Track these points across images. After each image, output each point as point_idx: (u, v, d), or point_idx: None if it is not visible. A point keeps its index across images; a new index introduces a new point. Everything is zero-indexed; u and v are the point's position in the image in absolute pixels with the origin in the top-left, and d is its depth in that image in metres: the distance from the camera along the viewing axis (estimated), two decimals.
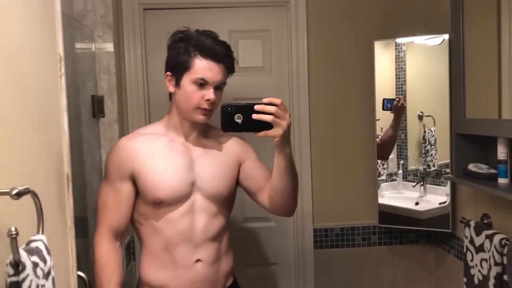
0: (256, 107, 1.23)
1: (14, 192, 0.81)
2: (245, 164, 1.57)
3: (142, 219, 1.51)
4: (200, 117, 1.46)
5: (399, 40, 2.17)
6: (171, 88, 1.50)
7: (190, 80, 1.43)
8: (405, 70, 2.20)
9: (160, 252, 1.49)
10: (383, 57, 2.24)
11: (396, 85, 2.23)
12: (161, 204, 1.45)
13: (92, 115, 1.94)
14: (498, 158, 1.58)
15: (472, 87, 1.69)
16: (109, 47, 1.97)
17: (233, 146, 1.57)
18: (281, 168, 1.37)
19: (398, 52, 2.21)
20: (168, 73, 1.49)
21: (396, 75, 2.23)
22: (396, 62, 2.23)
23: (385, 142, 2.22)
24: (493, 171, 1.65)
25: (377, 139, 2.24)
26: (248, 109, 1.23)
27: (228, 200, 1.55)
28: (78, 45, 1.94)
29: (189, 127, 1.52)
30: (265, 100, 1.24)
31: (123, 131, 2.15)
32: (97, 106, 1.95)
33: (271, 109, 1.23)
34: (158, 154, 1.48)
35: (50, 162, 1.18)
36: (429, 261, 2.32)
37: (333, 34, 2.27)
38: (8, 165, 0.93)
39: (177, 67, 1.46)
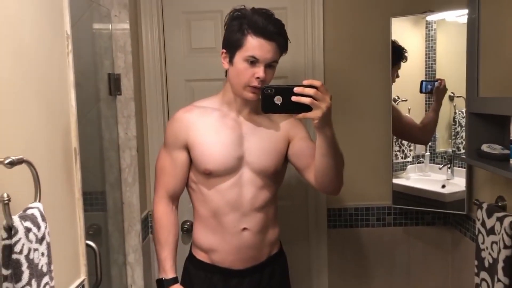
0: (296, 89, 1.24)
1: (7, 161, 0.86)
2: (294, 141, 1.61)
3: (194, 186, 1.62)
4: (249, 95, 1.50)
5: (430, 17, 2.09)
6: (226, 65, 1.55)
7: (241, 58, 1.47)
8: (435, 49, 2.14)
9: (209, 218, 1.60)
10: (412, 36, 2.18)
11: (426, 65, 2.17)
12: (211, 175, 1.55)
13: (109, 92, 2.00)
14: (511, 138, 1.53)
15: (487, 64, 1.63)
16: (125, 26, 2.01)
17: (282, 122, 1.61)
18: (322, 148, 1.40)
19: (429, 30, 2.14)
20: (223, 50, 1.55)
21: (426, 54, 2.16)
22: (426, 41, 2.16)
23: (427, 125, 2.15)
24: (506, 151, 1.59)
25: (419, 123, 2.16)
26: (287, 91, 1.25)
27: (275, 174, 1.61)
28: (96, 25, 2.00)
29: (241, 103, 1.57)
30: (304, 82, 1.25)
31: (140, 109, 2.20)
32: (114, 84, 2.00)
33: (310, 91, 1.24)
34: (210, 128, 1.56)
35: (56, 136, 1.24)
36: (446, 243, 2.28)
37: (350, 11, 2.22)
38: (12, 137, 0.99)
39: (230, 44, 1.51)
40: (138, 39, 2.19)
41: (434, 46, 2.14)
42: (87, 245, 1.42)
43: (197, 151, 1.55)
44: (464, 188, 2.04)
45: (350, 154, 2.26)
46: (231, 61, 1.51)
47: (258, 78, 1.46)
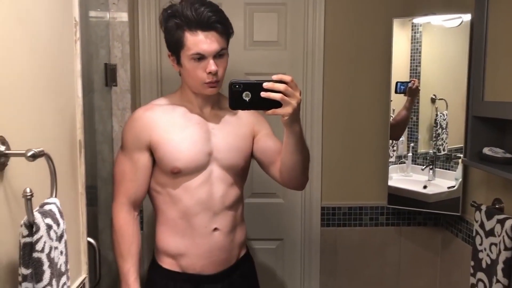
0: (265, 84, 1.17)
1: (29, 153, 0.81)
2: (258, 136, 1.57)
3: (159, 188, 1.52)
4: (208, 90, 1.45)
5: (416, 20, 2.12)
6: (176, 68, 1.49)
7: (187, 57, 1.41)
8: (420, 52, 2.16)
9: (178, 221, 1.51)
10: (399, 37, 2.19)
11: (411, 66, 2.19)
12: (179, 174, 1.46)
13: (105, 83, 1.93)
14: None
15: (492, 69, 1.65)
16: (123, 15, 1.94)
17: (246, 117, 1.56)
18: (290, 145, 1.35)
19: (415, 32, 2.17)
20: (169, 53, 1.48)
21: (411, 56, 2.18)
22: (412, 43, 2.18)
23: (398, 122, 2.20)
24: (508, 155, 1.62)
25: (391, 119, 2.21)
26: (256, 87, 1.19)
27: (243, 171, 1.57)
28: (92, 13, 1.92)
29: (202, 100, 1.52)
30: (274, 77, 1.18)
31: (135, 101, 2.14)
32: (110, 75, 1.94)
33: (280, 87, 1.17)
34: (175, 125, 1.48)
35: (63, 128, 1.18)
36: (436, 244, 2.32)
37: (351, 9, 2.22)
38: (24, 129, 0.93)
39: (173, 47, 1.44)
40: (135, 29, 2.12)
41: (419, 49, 2.16)
42: (88, 242, 1.36)
43: (163, 150, 1.46)
44: (446, 189, 2.09)
45: (346, 152, 2.28)
46: (179, 63, 1.45)
47: (210, 72, 1.40)
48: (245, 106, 1.21)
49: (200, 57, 1.40)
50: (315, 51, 2.21)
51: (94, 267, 1.44)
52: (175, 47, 1.43)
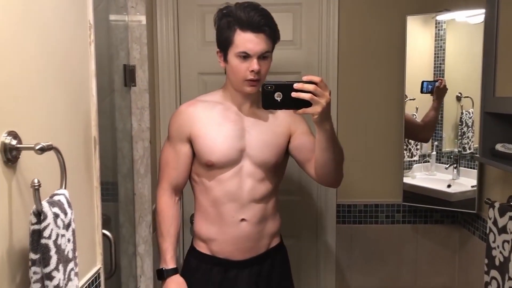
0: (295, 85, 1.25)
1: (38, 147, 0.87)
2: (295, 135, 1.64)
3: (196, 178, 1.66)
4: (248, 89, 1.54)
5: (440, 17, 2.09)
6: (222, 64, 1.60)
7: (234, 55, 1.52)
8: (444, 49, 2.14)
9: (209, 208, 1.63)
10: (422, 35, 2.18)
11: (435, 64, 2.18)
12: (213, 167, 1.59)
13: (124, 83, 2.01)
14: None
15: (505, 64, 1.63)
16: (142, 17, 2.01)
17: (284, 116, 1.64)
18: (322, 142, 1.42)
19: (438, 30, 2.15)
20: (218, 50, 1.59)
21: (435, 54, 2.17)
22: (435, 40, 2.16)
23: (427, 123, 2.18)
24: None
25: (419, 120, 2.18)
26: (287, 88, 1.26)
27: (276, 167, 1.64)
28: (112, 16, 2.00)
29: (242, 98, 1.61)
30: (304, 78, 1.26)
31: (154, 100, 2.21)
32: (129, 75, 2.01)
33: (310, 87, 1.24)
34: (213, 121, 1.60)
35: (77, 124, 1.25)
36: (453, 242, 2.29)
37: (366, 8, 2.22)
38: (37, 125, 1.00)
39: (222, 43, 1.56)
40: (153, 31, 2.20)
41: (443, 46, 2.14)
42: (103, 234, 1.43)
43: (200, 144, 1.59)
44: (470, 188, 2.05)
45: (362, 150, 2.29)
46: (225, 60, 1.56)
47: (252, 71, 1.50)
48: (277, 106, 1.29)
49: (246, 56, 1.50)
50: (329, 50, 2.23)
51: (110, 259, 1.51)
52: (225, 44, 1.54)
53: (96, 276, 1.34)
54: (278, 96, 1.27)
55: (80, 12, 1.27)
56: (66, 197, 0.96)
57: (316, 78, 1.26)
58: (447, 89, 2.11)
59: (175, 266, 1.64)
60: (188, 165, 1.65)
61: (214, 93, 1.68)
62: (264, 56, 1.52)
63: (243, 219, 1.60)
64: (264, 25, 1.50)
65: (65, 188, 0.98)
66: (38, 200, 0.85)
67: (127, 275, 2.11)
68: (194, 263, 1.69)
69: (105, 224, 1.99)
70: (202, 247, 1.67)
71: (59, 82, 1.12)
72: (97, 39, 1.38)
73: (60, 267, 0.89)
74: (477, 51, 2.01)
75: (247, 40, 1.49)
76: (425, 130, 2.20)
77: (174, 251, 1.66)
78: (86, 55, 1.31)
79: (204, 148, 1.58)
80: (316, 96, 1.25)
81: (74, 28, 1.23)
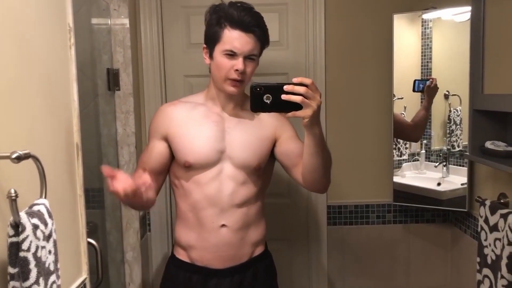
0: (286, 87, 1.20)
1: (14, 155, 0.83)
2: (281, 139, 1.59)
3: (176, 181, 1.60)
4: (230, 89, 1.50)
5: (426, 16, 2.09)
6: (207, 60, 1.55)
7: (220, 51, 1.47)
8: (431, 48, 2.14)
9: (188, 213, 1.57)
10: (408, 34, 2.17)
11: (422, 63, 2.17)
12: (190, 168, 1.53)
13: (108, 88, 1.97)
14: None
15: (492, 61, 1.62)
16: (125, 20, 1.97)
17: (269, 120, 1.59)
18: (310, 147, 1.37)
19: (425, 28, 2.14)
20: (204, 45, 1.55)
21: (422, 52, 2.16)
22: (422, 39, 2.16)
23: (418, 123, 2.17)
24: (510, 148, 1.60)
25: (409, 120, 2.17)
26: (277, 89, 1.21)
27: (259, 170, 1.58)
28: (94, 19, 1.96)
29: (225, 99, 1.57)
30: (295, 80, 1.21)
31: (139, 104, 2.17)
32: (113, 79, 1.97)
33: (301, 89, 1.19)
34: (193, 121, 1.56)
35: (59, 131, 1.20)
36: (445, 240, 2.29)
37: (352, 7, 2.21)
38: (15, 133, 0.96)
39: (209, 39, 1.51)
40: (137, 34, 2.16)
41: (430, 45, 2.14)
42: (88, 243, 1.39)
43: (177, 143, 1.54)
44: (460, 186, 2.05)
45: (351, 151, 2.27)
46: (211, 56, 1.52)
47: (237, 70, 1.46)
48: (266, 108, 1.23)
49: (232, 54, 1.46)
50: (316, 50, 2.21)
51: (97, 268, 1.47)
52: (212, 39, 1.50)
53: (82, 287, 1.30)
54: (267, 98, 1.22)
55: (59, 15, 1.23)
56: (46, 207, 0.92)
57: (307, 80, 1.20)
58: (438, 88, 2.10)
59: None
60: (161, 164, 1.57)
61: (197, 94, 1.65)
62: (250, 58, 1.48)
63: (223, 225, 1.54)
64: (255, 26, 1.47)
65: (45, 197, 0.95)
66: (15, 211, 0.81)
67: (116, 283, 2.06)
68: (174, 271, 1.63)
69: (92, 231, 1.95)
70: (181, 255, 1.62)
71: (37, 87, 1.08)
72: (79, 43, 1.34)
73: (41, 280, 0.85)
74: (463, 49, 2.00)
75: (235, 38, 1.45)
76: (416, 130, 2.19)
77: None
78: (66, 59, 1.27)
79: (182, 148, 1.53)
80: (307, 98, 1.20)
81: (52, 31, 1.19)
